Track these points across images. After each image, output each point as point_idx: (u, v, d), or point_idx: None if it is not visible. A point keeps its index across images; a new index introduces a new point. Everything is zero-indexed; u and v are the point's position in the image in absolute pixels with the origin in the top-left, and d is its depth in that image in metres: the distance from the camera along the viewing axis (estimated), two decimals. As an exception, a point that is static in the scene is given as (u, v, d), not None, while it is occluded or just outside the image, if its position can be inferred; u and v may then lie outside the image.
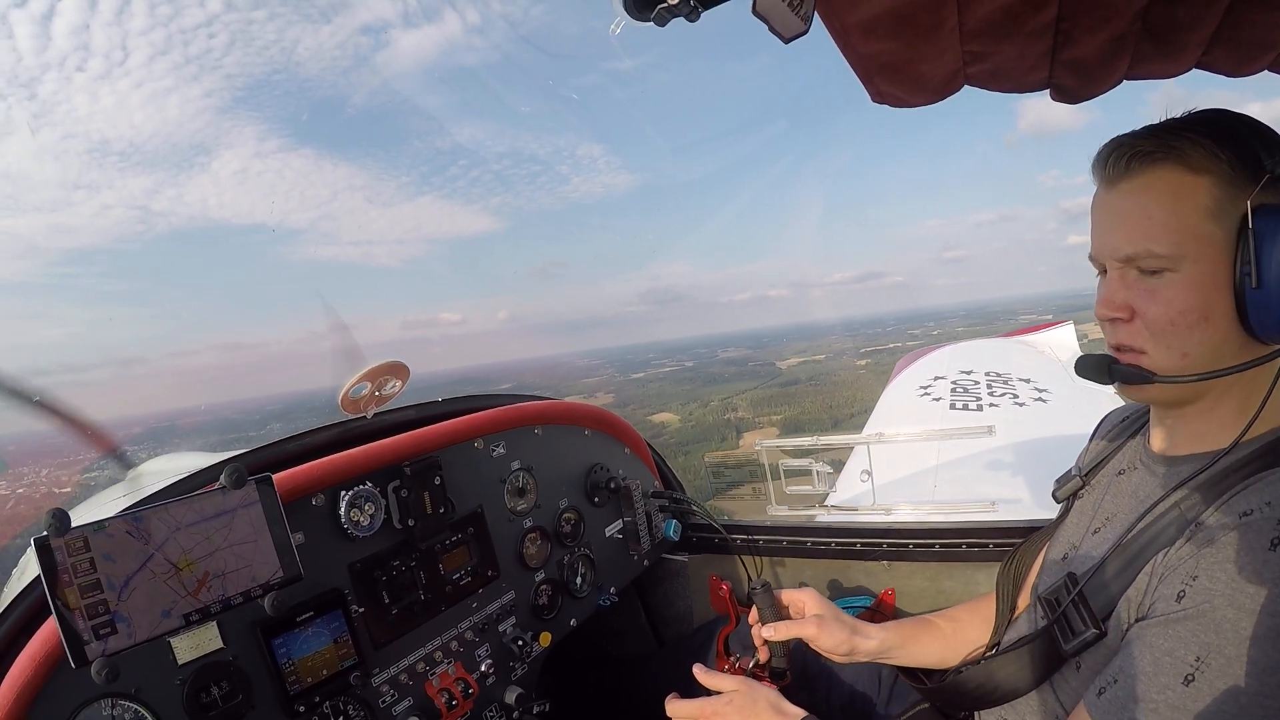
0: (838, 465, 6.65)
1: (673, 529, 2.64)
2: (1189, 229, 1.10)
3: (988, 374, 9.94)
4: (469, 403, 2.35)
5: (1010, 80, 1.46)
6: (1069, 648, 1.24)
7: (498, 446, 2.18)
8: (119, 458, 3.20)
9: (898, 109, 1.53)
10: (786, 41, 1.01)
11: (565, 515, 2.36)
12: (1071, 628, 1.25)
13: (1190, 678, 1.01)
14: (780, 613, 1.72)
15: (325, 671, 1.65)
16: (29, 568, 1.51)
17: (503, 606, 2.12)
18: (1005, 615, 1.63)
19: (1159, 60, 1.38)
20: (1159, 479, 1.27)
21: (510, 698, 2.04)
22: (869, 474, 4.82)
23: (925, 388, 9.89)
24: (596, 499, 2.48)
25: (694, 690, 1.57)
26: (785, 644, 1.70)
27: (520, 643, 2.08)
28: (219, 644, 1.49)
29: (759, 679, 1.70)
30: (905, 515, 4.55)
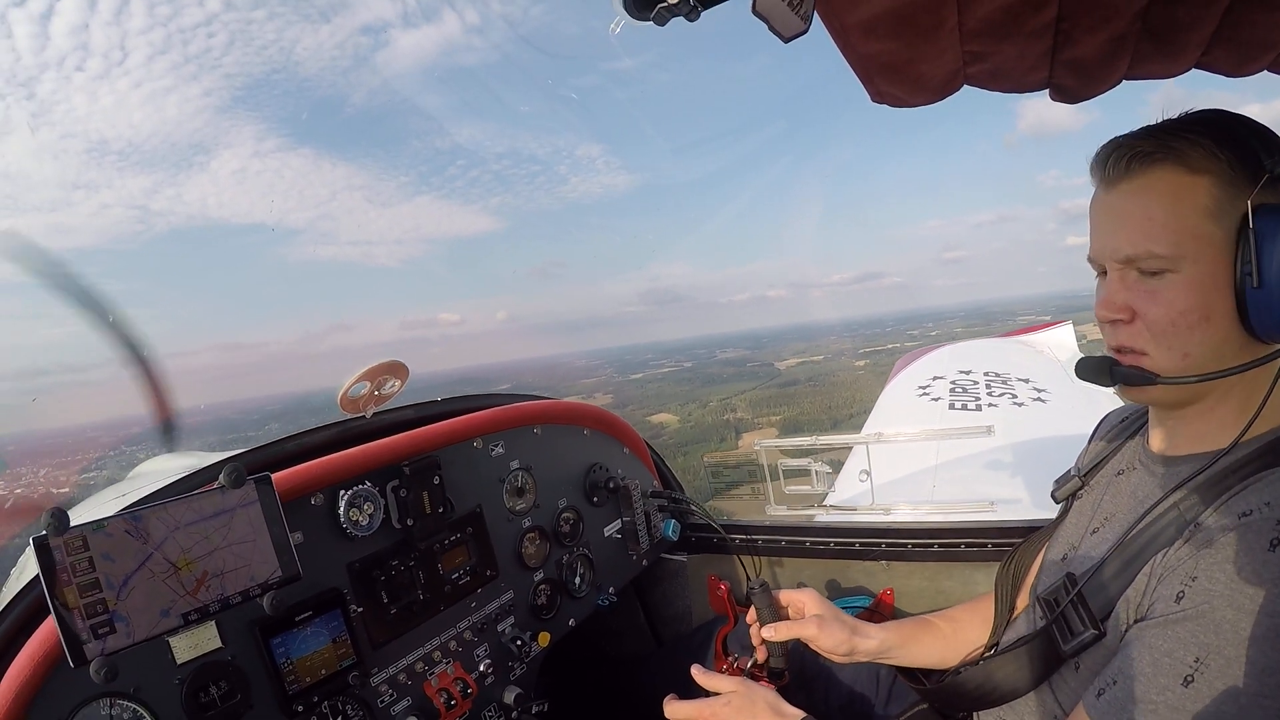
0: (836, 465, 6.65)
1: (671, 529, 2.64)
2: (1189, 229, 1.10)
3: (986, 374, 9.93)
4: (468, 402, 2.34)
5: (1010, 80, 1.46)
6: (1068, 648, 1.24)
7: (497, 446, 2.18)
8: (169, 431, 3.28)
9: (897, 109, 1.53)
10: (786, 41, 1.01)
11: (564, 515, 2.36)
12: (1070, 628, 1.25)
13: (1189, 678, 1.01)
14: (779, 613, 1.72)
15: (324, 671, 1.64)
16: (28, 567, 1.51)
17: (501, 606, 2.12)
18: (1004, 615, 1.63)
19: (1159, 60, 1.38)
20: (1158, 479, 1.27)
21: (509, 698, 2.04)
22: (868, 474, 4.82)
23: (924, 388, 9.89)
24: (595, 499, 2.48)
25: (692, 690, 1.57)
26: (783, 644, 1.70)
27: (519, 642, 2.08)
28: (218, 643, 1.49)
29: (757, 679, 1.70)
30: (904, 515, 4.55)
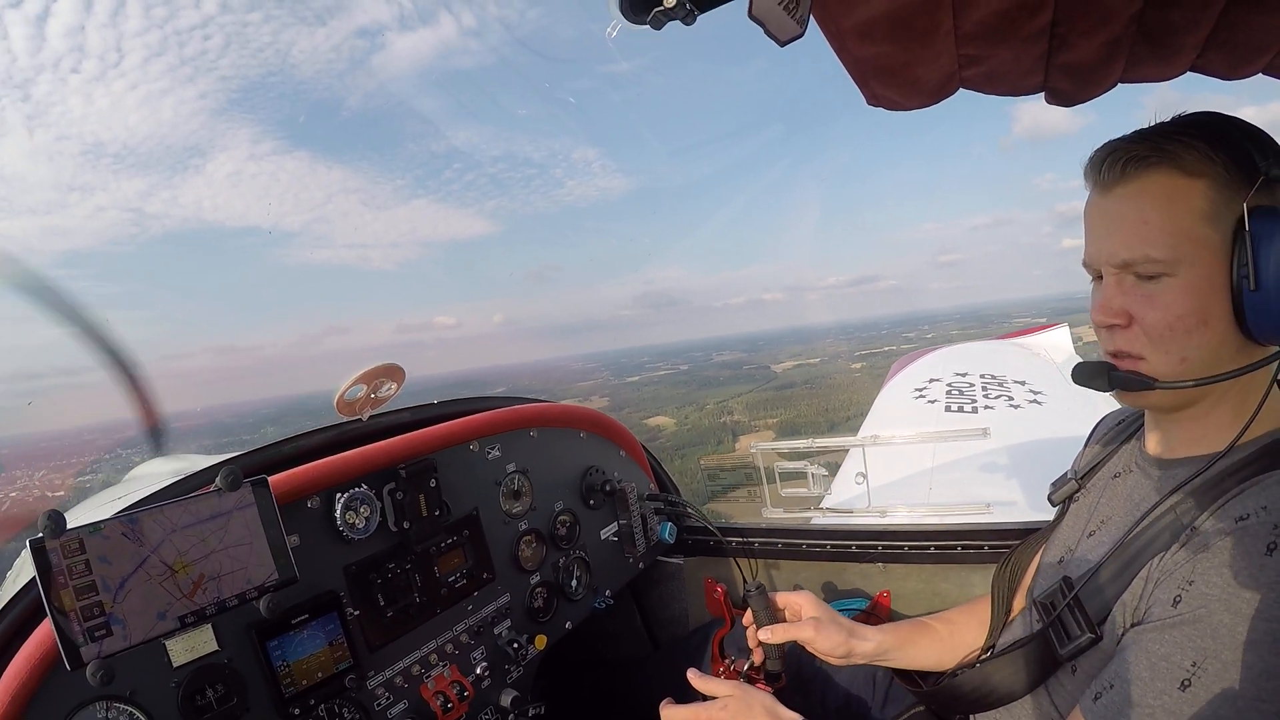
0: (833, 468, 6.66)
1: (668, 531, 2.64)
2: (1185, 233, 1.10)
3: (983, 376, 9.95)
4: (464, 405, 2.34)
5: (1005, 83, 1.46)
6: (1064, 652, 1.24)
7: (493, 449, 2.18)
8: (157, 436, 3.27)
9: (893, 112, 1.53)
10: (782, 45, 1.01)
11: (560, 518, 2.36)
12: (1067, 632, 1.25)
13: (1187, 683, 1.01)
14: (775, 615, 1.71)
15: (320, 674, 1.64)
16: (24, 570, 1.51)
17: (498, 609, 2.12)
18: (1000, 618, 1.63)
19: (1154, 63, 1.38)
20: (1154, 482, 1.27)
21: (505, 700, 2.04)
22: (864, 476, 4.82)
23: (920, 390, 9.91)
24: (592, 501, 2.48)
25: (689, 693, 1.57)
26: (780, 647, 1.69)
27: (515, 645, 2.08)
28: (214, 646, 1.48)
29: (754, 682, 1.70)
30: (900, 517, 4.54)
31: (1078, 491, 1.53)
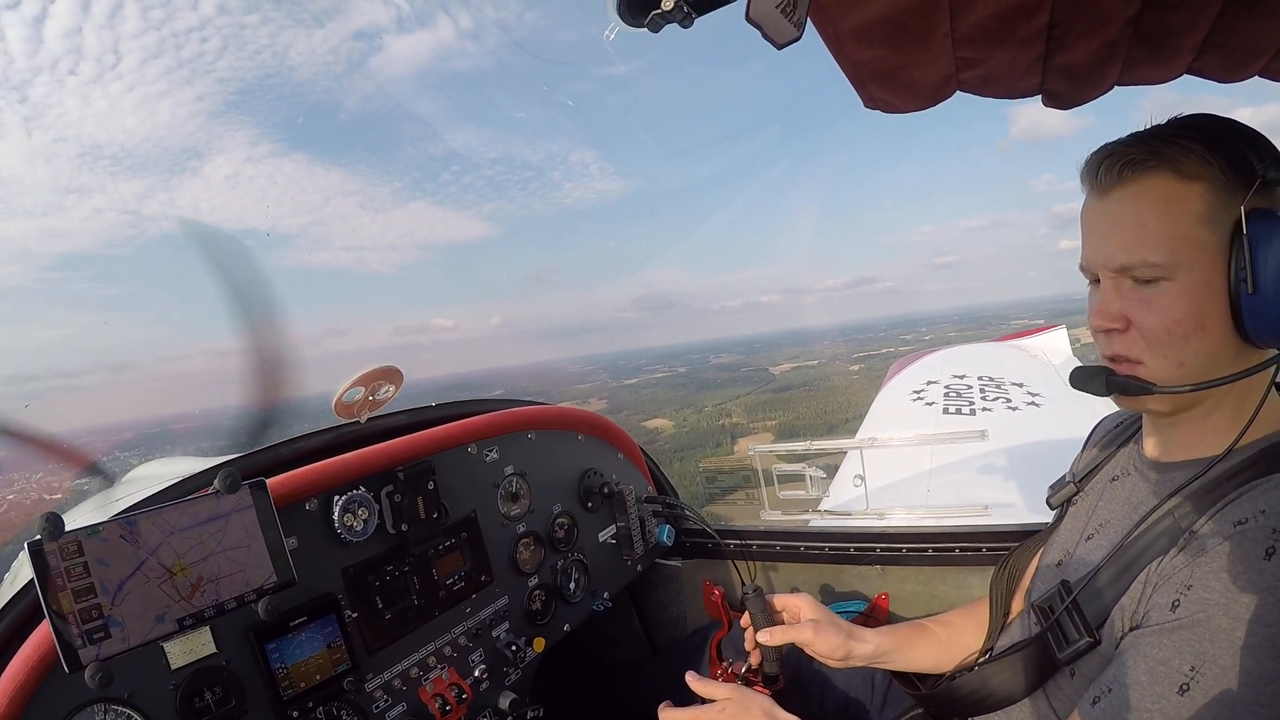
0: (831, 470, 6.66)
1: (666, 534, 2.64)
2: (1183, 236, 1.10)
3: (980, 378, 9.96)
4: (462, 408, 2.34)
5: (1002, 86, 1.46)
6: (1062, 656, 1.24)
7: (491, 451, 2.17)
8: (99, 471, 3.22)
9: (890, 115, 1.53)
10: (779, 48, 1.01)
11: (559, 520, 2.36)
12: (1065, 636, 1.25)
13: (1185, 687, 1.00)
14: (773, 618, 1.71)
15: (319, 677, 1.64)
16: (22, 572, 1.51)
17: (496, 611, 2.12)
18: (998, 621, 1.63)
19: (1151, 66, 1.39)
20: (1152, 485, 1.27)
21: (504, 703, 2.03)
22: (862, 478, 4.83)
23: (918, 392, 9.91)
24: (590, 504, 2.48)
25: (687, 696, 1.57)
26: (778, 649, 1.69)
27: (514, 648, 2.08)
28: (212, 649, 1.48)
29: (752, 684, 1.70)
30: (899, 519, 4.56)
31: (1076, 494, 1.53)
